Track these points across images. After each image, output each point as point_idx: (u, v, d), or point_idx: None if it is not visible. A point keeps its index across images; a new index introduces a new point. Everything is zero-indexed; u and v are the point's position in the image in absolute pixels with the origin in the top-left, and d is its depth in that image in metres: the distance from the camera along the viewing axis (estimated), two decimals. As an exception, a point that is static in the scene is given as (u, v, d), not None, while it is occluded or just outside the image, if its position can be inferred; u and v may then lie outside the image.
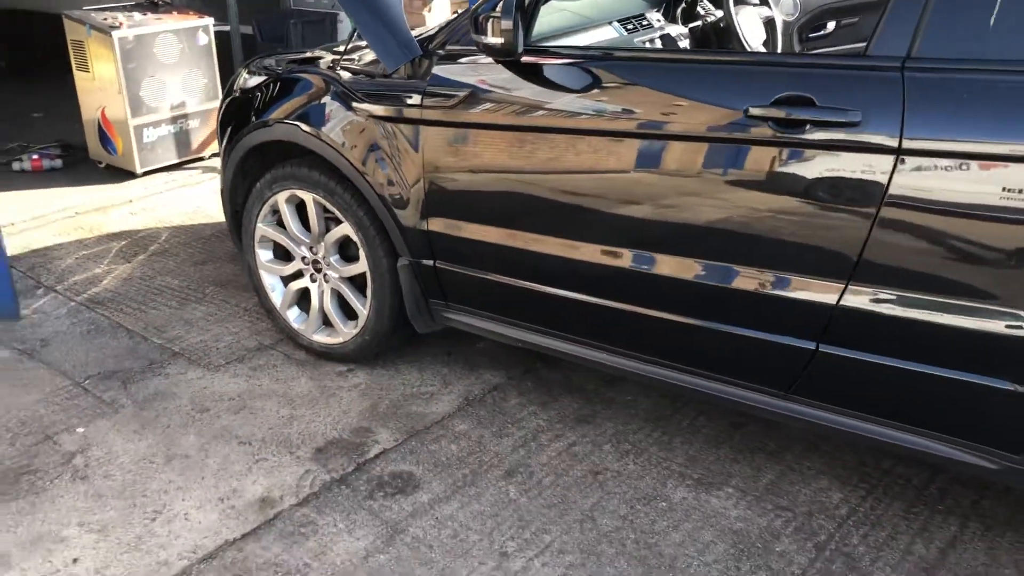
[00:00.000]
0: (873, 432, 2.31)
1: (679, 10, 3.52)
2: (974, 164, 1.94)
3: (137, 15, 5.07)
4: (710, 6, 3.59)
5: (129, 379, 3.24)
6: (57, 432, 2.93)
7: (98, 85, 5.04)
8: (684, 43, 3.36)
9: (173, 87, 5.13)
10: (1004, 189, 1.92)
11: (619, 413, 3.01)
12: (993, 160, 1.92)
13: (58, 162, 5.35)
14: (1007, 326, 1.99)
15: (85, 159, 5.41)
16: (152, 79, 5.02)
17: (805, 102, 2.10)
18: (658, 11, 3.45)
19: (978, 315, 2.02)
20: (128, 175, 5.17)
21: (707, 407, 3.00)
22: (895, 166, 2.01)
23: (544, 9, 2.71)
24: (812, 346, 2.27)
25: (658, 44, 3.26)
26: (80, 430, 2.95)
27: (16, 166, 5.27)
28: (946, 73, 1.98)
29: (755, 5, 3.50)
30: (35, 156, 5.32)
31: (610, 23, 3.19)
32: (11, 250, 4.18)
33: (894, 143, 2.00)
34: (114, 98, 4.98)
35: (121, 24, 4.88)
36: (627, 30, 3.21)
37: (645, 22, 3.31)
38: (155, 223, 4.64)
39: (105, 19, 4.92)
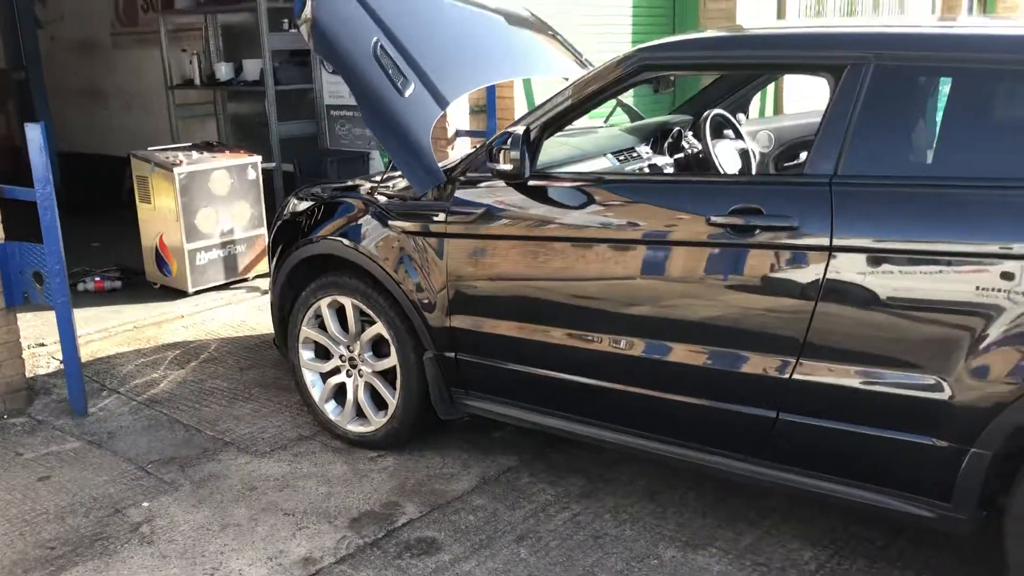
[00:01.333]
0: (834, 491, 2.70)
1: (666, 144, 4.09)
2: (890, 258, 2.43)
3: (195, 154, 5.75)
4: (694, 140, 4.16)
5: (186, 464, 3.67)
6: (125, 507, 3.35)
7: (158, 215, 5.67)
8: (669, 171, 3.92)
9: (224, 216, 5.75)
10: (915, 277, 2.40)
11: (619, 490, 3.39)
12: (904, 254, 2.41)
13: (118, 283, 5.93)
14: (925, 390, 2.42)
15: (142, 281, 5.99)
16: (206, 209, 5.65)
17: (755, 211, 2.61)
18: (647, 145, 4.03)
19: (901, 382, 2.45)
20: (180, 294, 5.73)
21: (696, 484, 3.38)
22: (828, 261, 2.50)
23: (549, 143, 3.29)
24: (774, 414, 2.69)
25: (645, 171, 3.81)
26: (145, 504, 3.36)
27: (81, 287, 5.85)
28: (864, 187, 2.49)
29: (732, 139, 4.08)
30: (98, 278, 5.92)
31: (605, 155, 3.76)
32: (80, 358, 4.67)
33: (826, 242, 2.50)
34: (172, 226, 5.59)
35: (181, 162, 5.55)
36: (619, 160, 3.78)
37: (635, 154, 3.89)
38: (205, 335, 5.16)
39: (167, 157, 5.59)
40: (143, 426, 4.04)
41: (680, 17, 9.02)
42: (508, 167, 3.00)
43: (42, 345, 4.87)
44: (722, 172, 3.75)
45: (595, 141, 3.91)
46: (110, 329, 5.17)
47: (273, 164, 6.76)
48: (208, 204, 5.66)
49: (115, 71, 9.24)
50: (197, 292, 5.74)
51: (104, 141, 9.32)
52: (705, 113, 3.96)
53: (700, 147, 3.97)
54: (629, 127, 4.23)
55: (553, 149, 3.57)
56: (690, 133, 4.21)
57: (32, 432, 4.00)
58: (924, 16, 11.59)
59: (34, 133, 3.79)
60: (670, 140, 4.12)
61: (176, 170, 5.48)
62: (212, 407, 4.22)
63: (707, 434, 2.90)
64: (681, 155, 4.03)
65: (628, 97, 4.39)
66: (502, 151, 3.01)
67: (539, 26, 4.45)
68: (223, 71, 7.54)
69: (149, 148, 5.84)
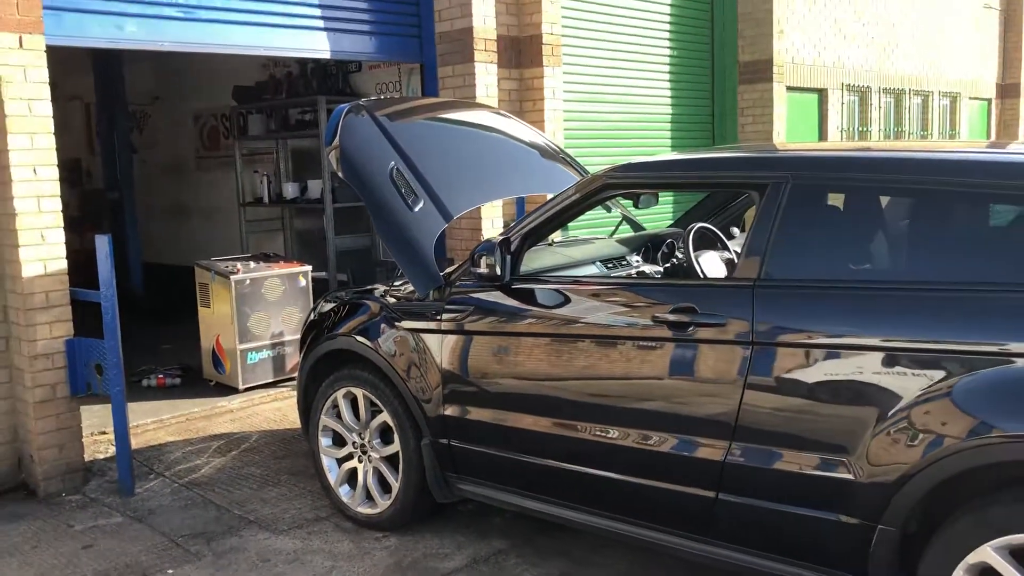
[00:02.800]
0: (772, 568, 2.92)
1: (659, 254, 4.47)
2: (802, 350, 2.73)
3: (252, 264, 6.37)
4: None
5: (212, 538, 4.07)
6: (152, 573, 3.75)
7: (216, 318, 6.27)
8: (656, 278, 4.27)
9: (275, 320, 6.31)
10: (823, 367, 2.69)
11: (596, 572, 3.64)
12: (814, 347, 2.72)
13: (178, 380, 6.52)
14: (836, 470, 2.67)
15: (200, 379, 6.56)
16: (258, 313, 6.22)
17: (691, 310, 2.96)
18: (637, 254, 4.41)
19: (816, 463, 2.71)
20: (232, 390, 6.26)
21: (671, 569, 3.60)
22: (751, 353, 2.81)
23: (543, 252, 3.75)
24: (713, 495, 2.96)
25: (633, 276, 4.17)
26: (170, 571, 3.76)
27: (145, 383, 6.45)
28: (780, 289, 2.82)
29: (719, 250, 4.42)
30: (160, 375, 6.51)
31: (595, 263, 4.16)
32: (134, 445, 5.17)
33: (747, 338, 2.82)
34: (227, 328, 6.17)
35: (238, 270, 6.17)
36: (608, 268, 4.17)
37: (624, 262, 4.27)
38: (249, 428, 5.63)
39: (226, 267, 6.23)
40: (180, 505, 4.47)
41: (719, 135, 9.51)
42: (485, 271, 3.43)
43: (103, 433, 5.40)
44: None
45: (588, 250, 4.31)
46: (164, 420, 5.69)
47: (326, 274, 7.36)
48: (261, 309, 6.24)
49: (198, 190, 10.16)
50: (247, 389, 6.26)
51: (185, 253, 10.12)
52: (690, 226, 4.33)
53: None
54: (623, 238, 4.62)
55: (547, 257, 4.00)
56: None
57: (84, 508, 4.47)
58: (958, 142, 11.80)
59: (101, 243, 4.40)
60: (664, 250, 4.49)
61: (233, 278, 6.08)
62: (244, 490, 4.63)
63: (661, 514, 3.16)
64: (670, 264, 4.39)
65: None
66: (483, 257, 3.44)
67: (548, 148, 4.94)
68: (289, 190, 8.29)
69: (212, 258, 6.49)
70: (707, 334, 2.91)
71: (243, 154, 8.69)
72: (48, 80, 4.46)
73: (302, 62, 8.11)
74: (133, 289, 9.96)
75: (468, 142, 4.65)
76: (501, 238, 3.48)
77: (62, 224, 4.55)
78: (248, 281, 6.18)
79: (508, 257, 3.48)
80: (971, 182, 2.68)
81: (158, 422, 5.68)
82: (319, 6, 6.25)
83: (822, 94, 10.41)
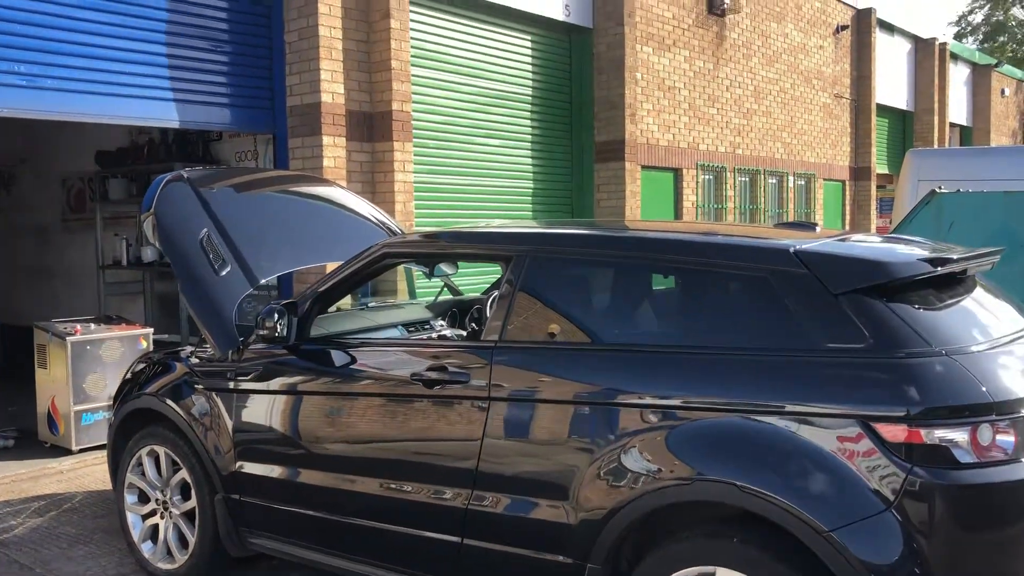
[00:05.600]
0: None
1: (467, 318, 4.76)
2: (527, 405, 3.03)
3: (92, 325, 6.44)
4: (491, 316, 4.83)
5: (6, 596, 4.10)
6: (-65, 630, 3.77)
7: (52, 379, 6.28)
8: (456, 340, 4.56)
9: (112, 381, 6.34)
10: (545, 419, 3.00)
11: (378, 620, 3.82)
12: (537, 402, 3.02)
13: (11, 442, 6.47)
14: (556, 515, 2.95)
15: (35, 441, 6.52)
16: (95, 375, 6.27)
17: (442, 368, 3.24)
18: (443, 319, 4.70)
19: (541, 509, 2.99)
20: (66, 452, 6.25)
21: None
22: (488, 408, 3.10)
23: (352, 315, 4.07)
24: (459, 540, 3.20)
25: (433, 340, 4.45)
26: (-46, 628, 3.78)
27: (-25, 445, 6.40)
28: (515, 350, 3.13)
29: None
30: (-8, 438, 6.47)
31: (396, 326, 4.42)
32: (-52, 506, 5.15)
33: (485, 394, 3.11)
34: (62, 389, 6.19)
35: (77, 331, 6.22)
36: (409, 331, 4.44)
37: (427, 327, 4.55)
38: (75, 488, 5.64)
39: (65, 328, 6.27)
40: (-18, 565, 4.47)
41: (578, 209, 10.00)
42: (265, 332, 3.66)
43: (-82, 494, 5.34)
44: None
45: (395, 315, 4.58)
46: (-13, 482, 5.66)
47: (179, 336, 7.43)
48: (98, 370, 6.29)
49: (62, 252, 10.10)
50: (82, 450, 6.25)
51: (48, 315, 10.02)
52: (492, 294, 4.65)
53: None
54: (435, 303, 4.91)
55: (352, 320, 4.25)
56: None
57: None
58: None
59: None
60: (472, 313, 4.79)
61: (69, 339, 6.14)
62: (53, 549, 4.66)
63: (422, 560, 3.37)
64: (471, 328, 4.69)
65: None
66: (265, 320, 3.67)
67: (372, 218, 5.21)
68: (148, 254, 8.36)
69: (53, 320, 6.52)
70: (454, 391, 3.19)
71: (106, 218, 8.74)
72: None
73: (163, 129, 8.27)
74: (-11, 351, 9.79)
75: (289, 212, 4.89)
76: (287, 302, 3.72)
77: None
78: (85, 342, 6.23)
79: (295, 320, 3.72)
80: (651, 256, 3.11)
81: (-21, 484, 5.64)
82: (169, 78, 6.49)
83: (678, 173, 11.06)
